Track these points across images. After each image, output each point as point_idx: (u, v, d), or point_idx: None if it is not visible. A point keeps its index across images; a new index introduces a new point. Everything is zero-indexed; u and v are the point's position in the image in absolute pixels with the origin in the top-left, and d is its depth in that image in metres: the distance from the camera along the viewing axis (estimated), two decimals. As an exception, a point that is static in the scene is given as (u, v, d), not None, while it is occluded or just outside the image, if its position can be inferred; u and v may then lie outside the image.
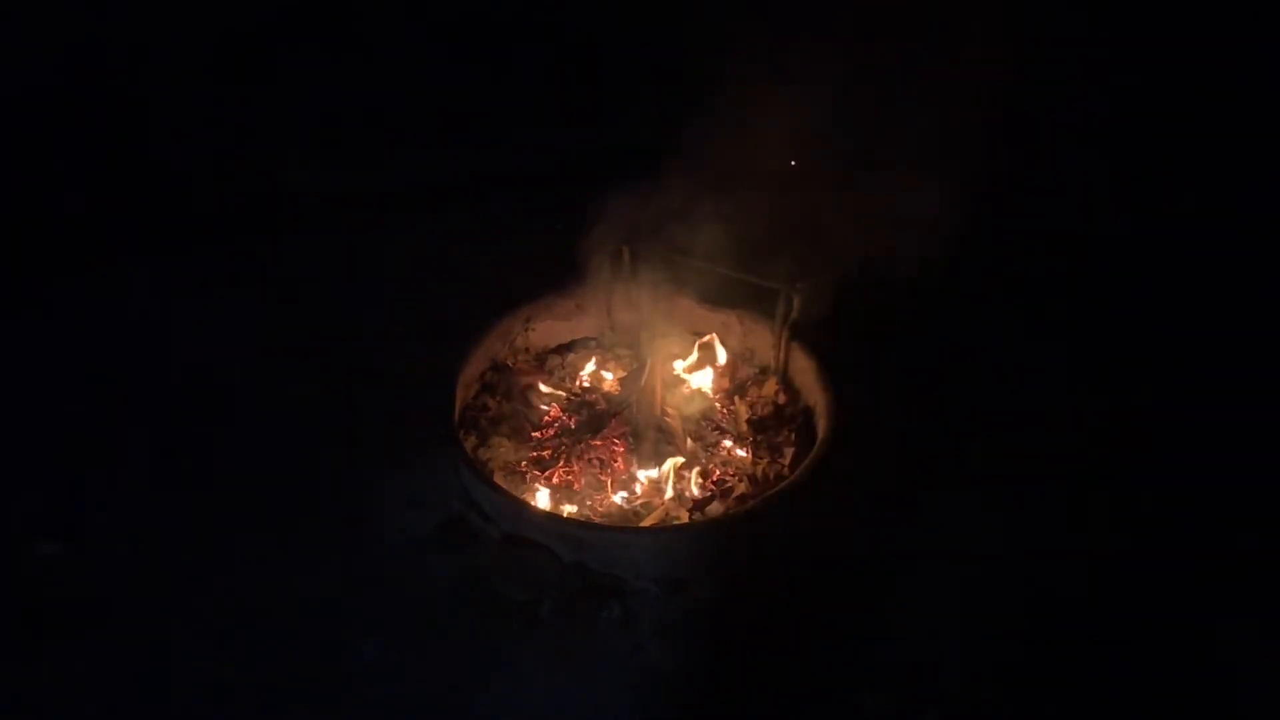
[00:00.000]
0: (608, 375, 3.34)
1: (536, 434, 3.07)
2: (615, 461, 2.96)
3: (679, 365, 3.25)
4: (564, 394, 3.26)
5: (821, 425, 2.86)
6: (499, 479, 2.81)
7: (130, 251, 3.91)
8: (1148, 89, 4.15)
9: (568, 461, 2.95)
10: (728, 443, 3.06)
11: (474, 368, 3.12)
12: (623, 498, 2.86)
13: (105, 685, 2.34)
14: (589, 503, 2.84)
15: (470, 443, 2.95)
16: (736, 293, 3.13)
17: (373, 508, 2.80)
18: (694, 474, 2.88)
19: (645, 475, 2.91)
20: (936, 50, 3.25)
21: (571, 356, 3.40)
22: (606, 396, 3.19)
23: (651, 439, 2.95)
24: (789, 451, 2.95)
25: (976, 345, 3.53)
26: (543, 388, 3.23)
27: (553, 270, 3.33)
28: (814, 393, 2.99)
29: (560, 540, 2.58)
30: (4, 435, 3.07)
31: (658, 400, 3.00)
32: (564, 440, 3.03)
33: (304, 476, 2.90)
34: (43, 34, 4.03)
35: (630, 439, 2.99)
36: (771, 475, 2.87)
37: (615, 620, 2.48)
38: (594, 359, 3.39)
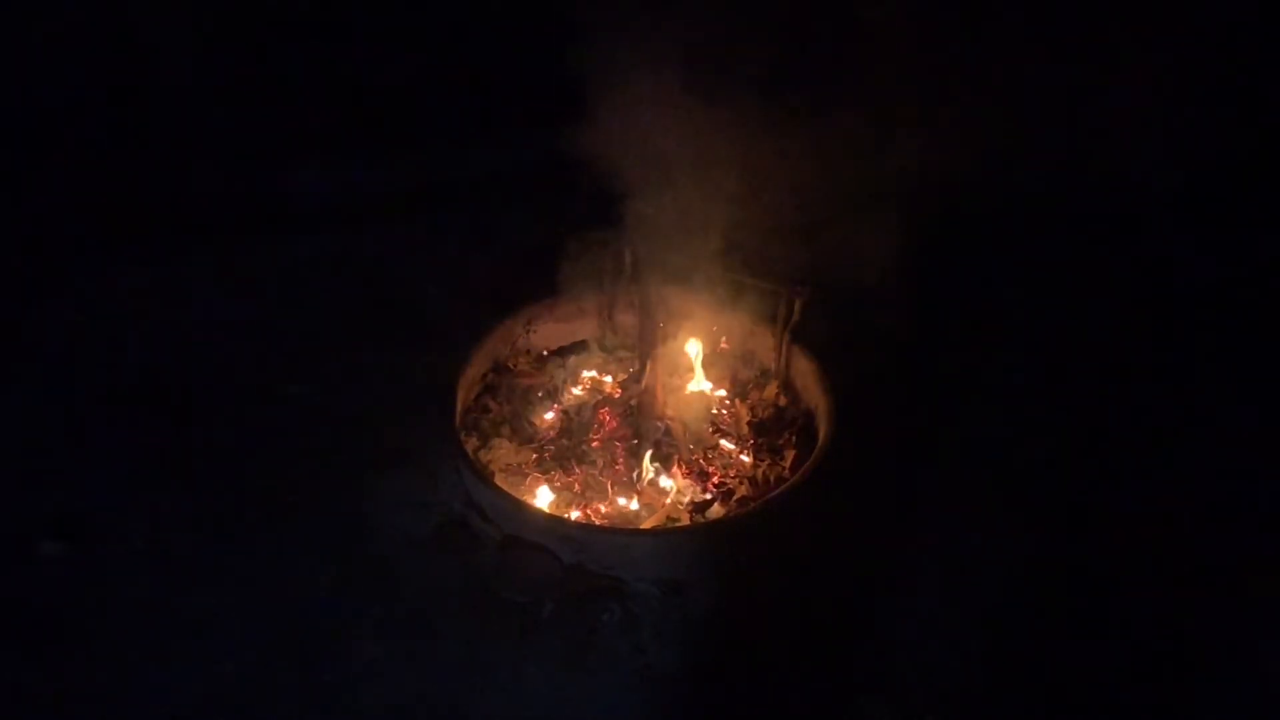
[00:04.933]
0: (609, 378, 3.34)
1: (538, 436, 3.07)
2: (616, 463, 2.96)
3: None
4: (565, 396, 3.26)
5: (822, 428, 2.87)
6: (500, 480, 2.82)
7: (128, 253, 3.91)
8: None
9: (569, 463, 2.95)
10: (729, 445, 3.06)
11: (475, 370, 3.12)
12: (624, 499, 2.87)
13: (106, 686, 2.33)
14: (590, 504, 2.85)
15: (471, 444, 2.96)
16: (738, 295, 3.13)
17: (374, 509, 2.79)
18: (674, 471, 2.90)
19: (646, 477, 2.91)
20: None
21: (573, 359, 3.40)
22: (608, 399, 3.19)
23: (652, 441, 2.96)
24: (790, 454, 2.95)
25: (979, 347, 3.53)
26: (544, 390, 3.24)
27: (554, 272, 3.34)
28: (815, 396, 3.00)
29: (561, 542, 2.58)
30: (5, 435, 3.06)
31: (659, 402, 3.00)
32: (565, 442, 3.03)
33: (305, 478, 2.90)
34: (38, 32, 4.03)
35: (631, 441, 2.99)
36: (772, 478, 2.87)
37: (615, 622, 2.48)
38: (595, 361, 3.39)
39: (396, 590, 2.57)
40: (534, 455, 3.00)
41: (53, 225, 3.99)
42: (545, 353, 3.40)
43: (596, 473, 2.92)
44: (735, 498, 2.83)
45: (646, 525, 2.74)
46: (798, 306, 2.95)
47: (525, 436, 3.06)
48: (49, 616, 2.50)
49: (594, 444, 3.01)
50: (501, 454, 2.98)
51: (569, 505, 2.83)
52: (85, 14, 4.04)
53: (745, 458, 3.01)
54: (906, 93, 3.10)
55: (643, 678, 2.37)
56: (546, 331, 3.37)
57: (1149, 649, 2.50)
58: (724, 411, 3.18)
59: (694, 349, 3.26)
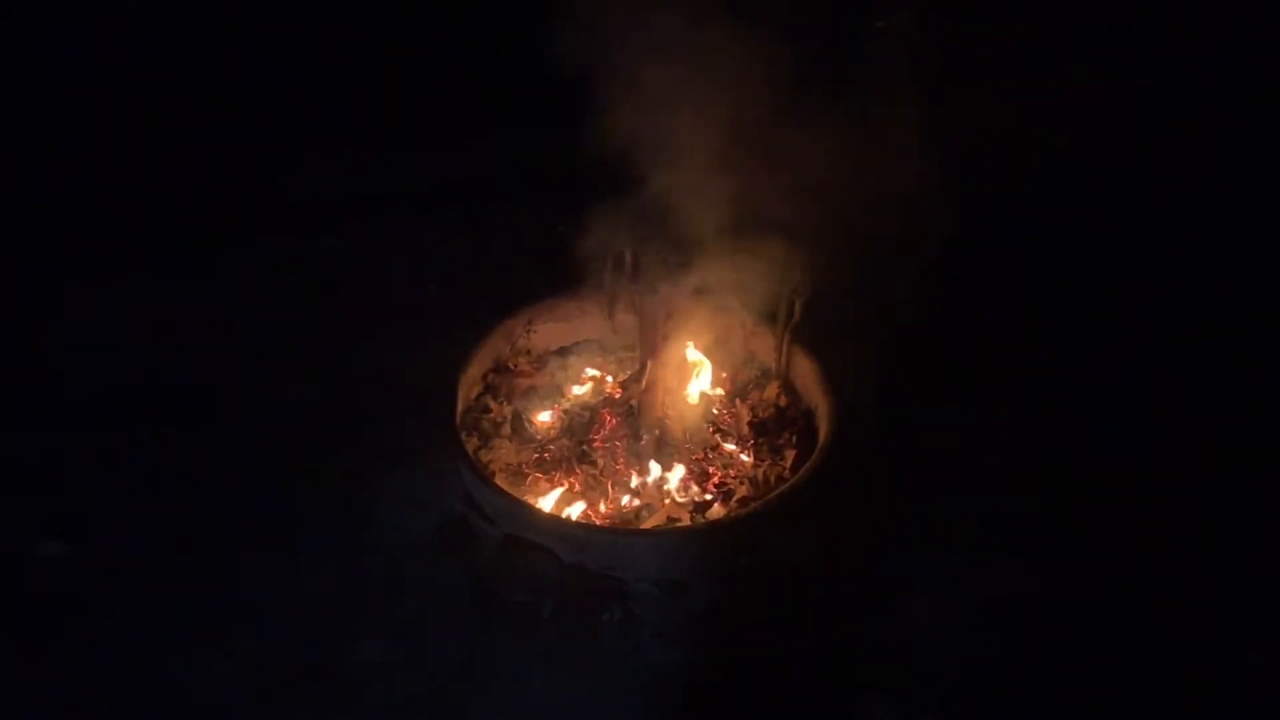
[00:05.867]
0: (609, 378, 3.34)
1: (538, 436, 3.07)
2: (616, 463, 2.96)
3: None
4: (566, 396, 3.26)
5: (823, 428, 2.87)
6: (500, 480, 2.82)
7: (128, 253, 3.91)
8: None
9: (569, 463, 2.95)
10: (729, 445, 3.06)
11: (476, 369, 3.12)
12: (625, 499, 2.86)
13: (106, 686, 2.34)
14: (590, 504, 2.84)
15: (472, 444, 2.96)
16: (739, 295, 3.13)
17: (374, 509, 2.79)
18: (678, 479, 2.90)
19: (646, 477, 2.91)
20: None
21: (573, 359, 3.40)
22: (608, 399, 3.19)
23: (653, 441, 2.95)
24: (790, 454, 2.95)
25: (979, 346, 3.53)
26: (544, 390, 3.23)
27: (555, 272, 3.33)
28: (815, 395, 3.00)
29: (561, 542, 2.58)
30: (5, 435, 3.06)
31: (659, 402, 3.00)
32: (565, 442, 3.03)
33: (305, 477, 2.90)
34: (37, 31, 4.04)
35: (631, 441, 2.99)
36: (773, 478, 2.87)
37: (616, 622, 2.48)
38: (596, 361, 3.39)
39: (397, 590, 2.57)
40: (534, 455, 3.00)
41: (52, 225, 3.99)
42: (546, 352, 3.40)
43: (597, 473, 2.92)
44: (735, 498, 2.83)
45: (647, 525, 2.74)
46: (798, 306, 2.95)
47: (525, 436, 3.06)
48: (49, 617, 2.50)
49: (594, 444, 3.01)
50: (502, 454, 2.98)
51: (569, 505, 2.83)
52: (84, 12, 4.04)
53: (745, 458, 3.01)
54: (917, 95, 3.11)
55: (643, 677, 2.37)
56: (547, 331, 3.37)
57: (1149, 649, 2.50)
58: (724, 411, 3.18)
59: (695, 349, 3.27)
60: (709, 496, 2.86)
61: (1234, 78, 4.03)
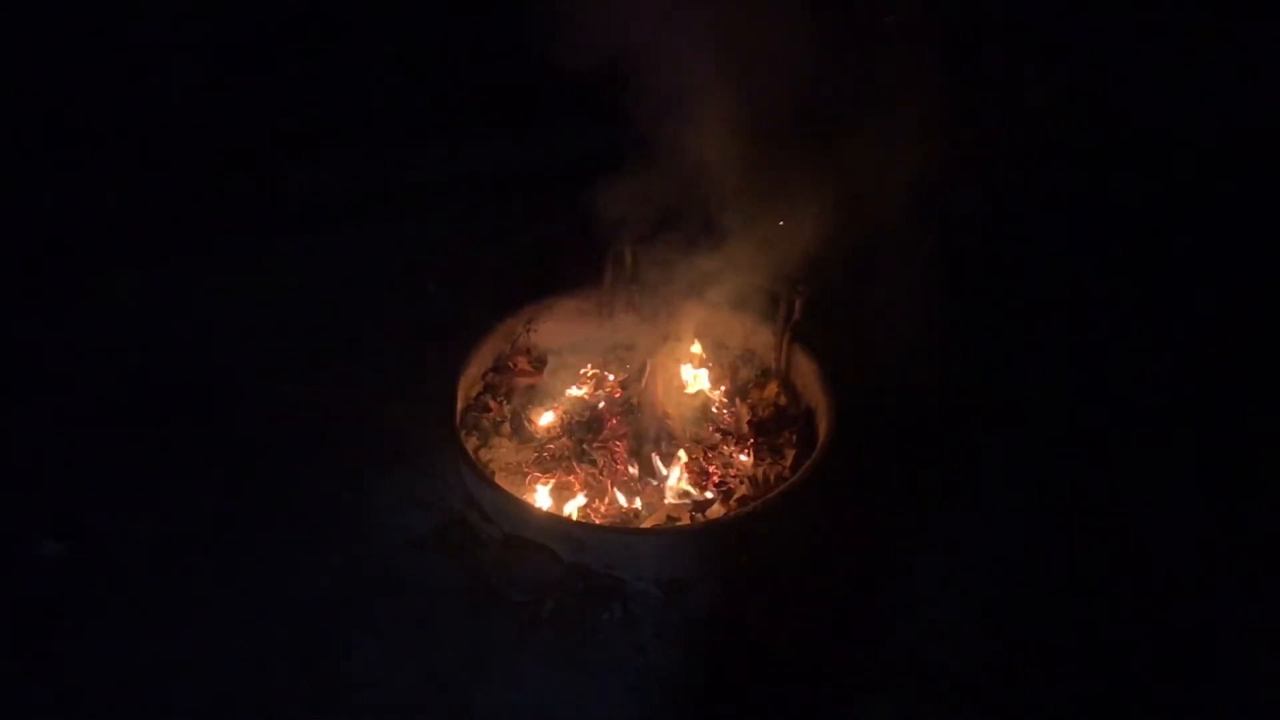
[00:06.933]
0: (609, 377, 3.34)
1: (538, 435, 3.07)
2: (617, 463, 2.96)
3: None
4: (565, 395, 3.26)
5: (822, 427, 2.87)
6: (500, 479, 2.82)
7: (128, 254, 3.91)
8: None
9: (569, 463, 2.95)
10: (729, 445, 3.06)
11: (476, 368, 3.12)
12: (624, 498, 2.86)
13: (106, 686, 2.34)
14: (590, 503, 2.84)
15: (472, 443, 2.96)
16: (738, 294, 3.14)
17: (374, 508, 2.79)
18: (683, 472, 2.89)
19: (647, 477, 2.91)
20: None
21: (573, 359, 3.40)
22: (608, 398, 3.19)
23: (653, 441, 2.95)
24: (790, 453, 2.95)
25: (980, 345, 3.53)
26: (544, 389, 3.23)
27: (554, 272, 3.33)
28: (815, 394, 3.00)
29: (561, 541, 2.58)
30: (6, 435, 3.06)
31: (659, 402, 3.00)
32: (565, 441, 3.03)
33: (305, 476, 2.90)
34: (38, 32, 4.04)
35: (631, 440, 2.99)
36: (772, 477, 2.87)
37: (616, 621, 2.48)
38: (596, 361, 3.39)
39: (396, 590, 2.57)
40: (534, 455, 3.00)
41: (53, 226, 3.99)
42: (546, 352, 3.40)
43: (597, 472, 2.92)
44: (735, 497, 2.83)
45: (646, 525, 2.74)
46: (798, 306, 2.95)
47: (525, 436, 3.06)
48: (49, 616, 2.50)
49: (594, 444, 3.01)
50: (502, 453, 2.98)
51: (569, 504, 2.83)
52: (85, 14, 4.04)
53: (745, 457, 3.01)
54: (924, 92, 3.11)
55: (643, 677, 2.37)
56: (547, 330, 3.37)
57: (1150, 648, 2.50)
58: (724, 411, 3.18)
59: (695, 348, 3.27)
60: (709, 496, 2.86)
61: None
